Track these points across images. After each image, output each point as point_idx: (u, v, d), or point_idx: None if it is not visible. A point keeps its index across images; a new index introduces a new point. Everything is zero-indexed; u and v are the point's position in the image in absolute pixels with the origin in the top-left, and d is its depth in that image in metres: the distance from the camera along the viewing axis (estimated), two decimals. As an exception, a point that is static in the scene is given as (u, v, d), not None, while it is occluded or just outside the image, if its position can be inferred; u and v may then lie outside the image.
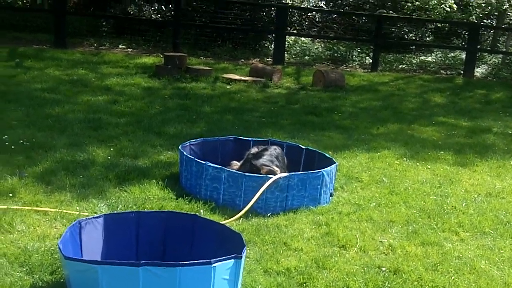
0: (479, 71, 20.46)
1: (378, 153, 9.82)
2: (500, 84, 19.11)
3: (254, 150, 7.94)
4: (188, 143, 8.07)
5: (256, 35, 20.67)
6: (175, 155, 8.65)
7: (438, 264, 6.03)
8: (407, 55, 21.53)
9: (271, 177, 6.91)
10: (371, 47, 20.22)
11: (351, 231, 6.63)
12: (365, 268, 5.81)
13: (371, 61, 20.11)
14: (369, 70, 19.30)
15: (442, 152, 10.27)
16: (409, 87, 17.33)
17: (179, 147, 7.84)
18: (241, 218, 6.66)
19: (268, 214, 6.89)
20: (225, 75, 15.78)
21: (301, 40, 21.61)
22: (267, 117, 11.97)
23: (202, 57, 18.78)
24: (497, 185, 8.67)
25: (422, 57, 21.38)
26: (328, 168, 7.42)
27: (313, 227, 6.69)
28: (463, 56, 20.81)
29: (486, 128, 12.51)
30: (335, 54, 20.71)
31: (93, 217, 5.48)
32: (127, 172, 7.83)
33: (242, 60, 19.33)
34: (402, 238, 6.60)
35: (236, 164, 8.02)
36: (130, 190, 7.26)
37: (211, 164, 7.14)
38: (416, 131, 11.85)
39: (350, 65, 20.20)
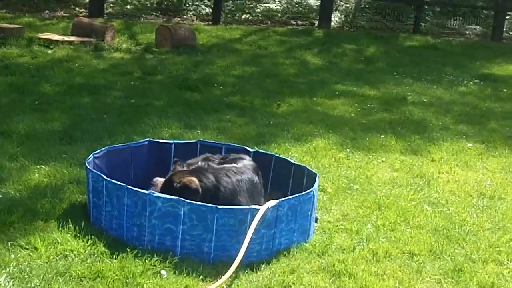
0: (333, 19, 20.04)
1: (311, 144, 8.67)
2: (362, 35, 18.99)
3: (206, 161, 6.31)
4: (92, 156, 6.20)
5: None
6: (51, 169, 6.94)
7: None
8: (247, 2, 20.46)
9: (257, 208, 5.37)
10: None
11: (378, 279, 5.35)
12: None
13: (207, 10, 18.77)
14: (210, 23, 17.98)
15: (380, 135, 9.37)
16: (269, 43, 16.46)
17: (86, 165, 5.96)
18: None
19: (254, 265, 5.39)
20: (41, 35, 13.58)
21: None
22: (134, 97, 10.30)
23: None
24: (480, 181, 7.92)
25: (266, 4, 20.44)
26: (315, 184, 6.03)
27: (327, 278, 5.31)
28: (310, 1, 20.28)
29: (399, 97, 11.93)
30: (165, 3, 18.99)
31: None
32: (5, 212, 5.83)
33: (47, 12, 16.96)
34: (450, 281, 5.46)
35: (162, 181, 6.34)
36: (28, 247, 5.34)
37: (159, 194, 5.42)
38: (324, 106, 10.89)
39: (185, 17, 18.66)
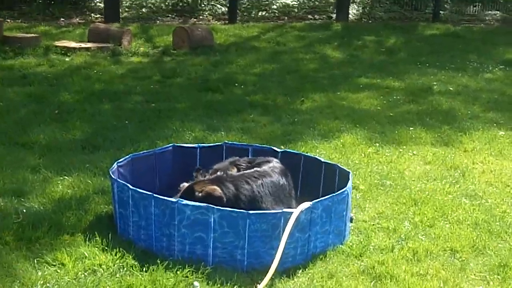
0: (351, 12, 19.72)
1: (338, 140, 8.39)
2: (381, 26, 18.68)
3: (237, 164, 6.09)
4: (116, 165, 5.97)
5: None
6: (75, 180, 6.72)
7: None
8: (262, -1, 20.22)
9: (291, 212, 5.11)
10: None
11: (421, 280, 5.07)
12: None
13: (223, 9, 18.53)
14: (227, 22, 17.73)
15: (409, 128, 9.08)
16: (287, 40, 16.16)
17: (111, 175, 5.73)
18: None
19: (290, 272, 5.13)
20: (57, 43, 13.40)
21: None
22: (154, 101, 10.05)
23: (7, 19, 15.98)
24: (516, 169, 7.60)
25: (282, 0, 20.13)
26: (348, 182, 5.76)
27: (367, 281, 5.04)
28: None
29: (424, 87, 11.61)
30: (180, 4, 18.76)
31: None
32: (30, 227, 5.60)
33: (63, 19, 16.78)
34: (496, 278, 5.17)
35: (189, 188, 6.09)
36: (55, 263, 5.11)
37: (188, 202, 5.17)
38: (348, 100, 10.59)
39: (201, 17, 18.42)
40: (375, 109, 10.14)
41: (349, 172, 6.01)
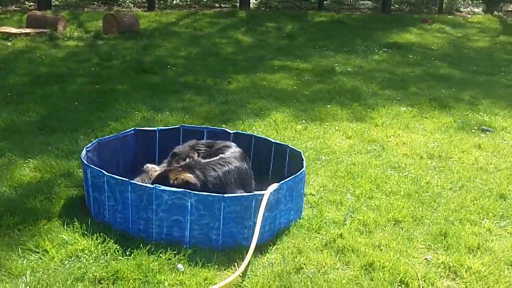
0: (252, 1, 19.11)
1: (270, 118, 7.94)
2: (278, 14, 18.27)
3: (196, 149, 5.44)
4: (85, 150, 5.21)
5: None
6: (39, 162, 5.90)
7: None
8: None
9: (262, 194, 4.56)
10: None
11: (379, 252, 4.66)
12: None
13: (142, -3, 17.51)
14: (147, 9, 16.75)
15: (326, 105, 8.71)
16: (202, 25, 15.40)
17: (83, 161, 4.97)
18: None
19: (262, 248, 4.61)
20: (-1, 29, 12.12)
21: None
22: (98, 82, 9.18)
23: None
24: (425, 142, 7.42)
25: (191, -10, 19.27)
26: (303, 162, 5.25)
27: (332, 255, 4.58)
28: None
29: (328, 68, 11.23)
30: (104, -8, 17.58)
31: None
32: (7, 213, 4.81)
33: (0, 7, 15.31)
34: (441, 246, 4.83)
35: (154, 169, 5.44)
36: (38, 250, 4.36)
37: (165, 188, 4.51)
38: (268, 81, 10.06)
39: (124, 5, 17.31)
40: (292, 88, 9.65)
41: (300, 152, 5.48)
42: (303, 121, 7.83)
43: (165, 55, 11.35)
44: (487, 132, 7.82)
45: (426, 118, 8.37)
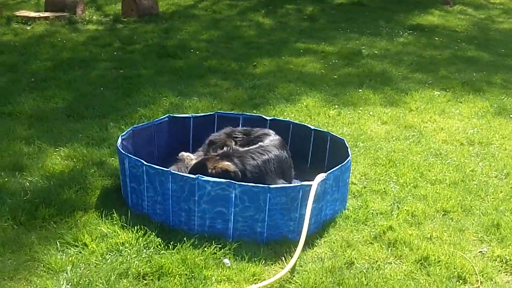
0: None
1: (301, 103, 7.69)
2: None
3: (233, 136, 5.23)
4: (120, 139, 5.00)
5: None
6: (70, 150, 5.72)
7: None
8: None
9: (309, 185, 4.33)
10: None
11: (432, 244, 4.44)
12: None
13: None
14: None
15: (357, 89, 8.42)
16: (221, 8, 15.05)
17: (120, 151, 4.76)
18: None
19: (309, 241, 4.37)
20: (17, 13, 11.89)
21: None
22: (122, 67, 8.93)
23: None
24: (464, 128, 7.16)
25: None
26: (348, 150, 5.02)
27: (384, 249, 4.35)
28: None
29: (354, 51, 10.87)
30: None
31: None
32: (42, 204, 4.60)
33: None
34: (494, 238, 4.59)
35: (189, 157, 5.22)
36: (77, 243, 4.16)
37: (208, 178, 4.29)
38: (294, 64, 9.78)
39: (141, -13, 16.95)
40: (320, 72, 9.38)
41: (343, 140, 5.25)
42: (336, 106, 7.58)
43: (187, 39, 11.09)
44: (526, 117, 7.54)
45: (461, 102, 8.10)
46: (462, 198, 5.17)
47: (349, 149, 5.01)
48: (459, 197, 5.18)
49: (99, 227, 4.32)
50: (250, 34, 11.97)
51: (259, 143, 5.05)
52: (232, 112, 6.30)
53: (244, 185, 4.27)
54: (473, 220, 4.85)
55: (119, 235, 4.24)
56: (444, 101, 8.08)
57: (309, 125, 5.71)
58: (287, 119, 6.51)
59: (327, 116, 7.18)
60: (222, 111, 6.13)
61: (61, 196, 4.76)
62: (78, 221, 4.46)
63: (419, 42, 12.01)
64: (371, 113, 7.42)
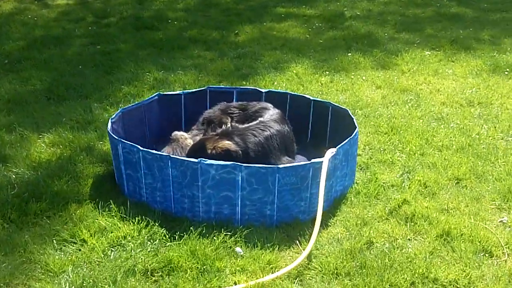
0: None
1: (291, 71, 7.31)
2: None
3: (229, 111, 4.90)
4: (110, 122, 4.63)
5: None
6: (55, 136, 5.33)
7: None
8: None
9: (319, 162, 4.03)
10: None
11: (450, 216, 4.19)
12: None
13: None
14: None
15: (346, 53, 8.05)
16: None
17: (112, 136, 4.40)
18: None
19: (322, 222, 4.05)
20: (-18, -9, 11.23)
21: None
22: (99, 43, 8.47)
23: None
24: (461, 88, 6.92)
25: None
26: (354, 121, 4.72)
27: (402, 225, 4.09)
28: None
29: (337, 13, 10.48)
30: None
31: None
32: (32, 199, 4.24)
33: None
34: (514, 207, 4.35)
35: (183, 136, 4.89)
36: (75, 240, 3.82)
37: (212, 162, 3.97)
38: (277, 30, 9.40)
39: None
40: (304, 37, 9.02)
41: (346, 110, 4.94)
42: (327, 72, 7.26)
43: (163, 9, 10.61)
44: (522, 73, 7.31)
45: (453, 61, 7.83)
46: (473, 164, 4.92)
47: (354, 120, 4.71)
48: (469, 163, 4.93)
49: (96, 220, 3.99)
50: (227, 1, 11.50)
51: (259, 119, 4.72)
52: (224, 86, 5.93)
53: (250, 166, 3.95)
54: (488, 187, 4.61)
55: (120, 228, 3.91)
56: (436, 61, 7.81)
57: (307, 96, 5.39)
58: (285, 90, 6.19)
59: (320, 84, 6.87)
60: (214, 86, 5.77)
61: (52, 188, 4.40)
62: (73, 214, 4.11)
63: (400, 1, 11.67)
64: (364, 77, 7.11)
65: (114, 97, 6.33)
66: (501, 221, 4.15)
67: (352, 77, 7.11)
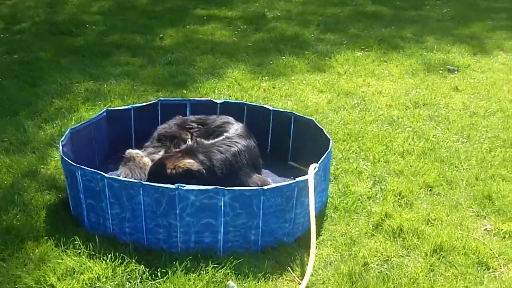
0: None
1: (229, 77, 6.96)
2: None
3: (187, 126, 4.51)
4: (61, 146, 4.11)
5: None
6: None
7: None
8: None
9: (304, 180, 3.73)
10: None
11: (434, 228, 4.03)
12: None
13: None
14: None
15: (280, 57, 7.82)
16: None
17: (68, 162, 3.88)
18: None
19: (306, 243, 3.76)
20: None
21: None
22: (15, 51, 7.79)
23: None
24: (404, 90, 6.81)
25: None
26: (324, 132, 4.47)
27: (388, 240, 3.87)
28: None
29: (259, 14, 10.18)
30: None
31: None
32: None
33: None
34: (490, 211, 4.25)
35: (139, 155, 4.46)
36: (42, 286, 3.31)
37: (190, 187, 3.57)
38: (202, 33, 9.02)
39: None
40: (232, 40, 8.68)
41: (312, 120, 4.67)
42: (266, 77, 6.98)
43: (77, 12, 9.92)
44: (455, 72, 7.34)
45: (386, 62, 7.76)
46: (440, 170, 4.79)
47: (324, 131, 4.43)
48: (436, 169, 4.80)
49: (61, 260, 3.47)
50: (143, 3, 10.94)
51: (224, 134, 4.34)
52: (176, 98, 5.50)
53: (234, 190, 3.58)
54: (461, 193, 4.49)
55: (91, 267, 3.42)
56: (369, 62, 7.71)
57: (266, 106, 5.06)
58: (228, 97, 5.83)
59: (262, 90, 6.57)
60: (165, 98, 5.31)
61: (0, 224, 3.81)
62: (32, 254, 3.57)
63: (317, 0, 11.55)
64: (304, 82, 6.88)
65: (46, 112, 5.73)
66: (485, 229, 4.02)
67: (293, 81, 6.86)
